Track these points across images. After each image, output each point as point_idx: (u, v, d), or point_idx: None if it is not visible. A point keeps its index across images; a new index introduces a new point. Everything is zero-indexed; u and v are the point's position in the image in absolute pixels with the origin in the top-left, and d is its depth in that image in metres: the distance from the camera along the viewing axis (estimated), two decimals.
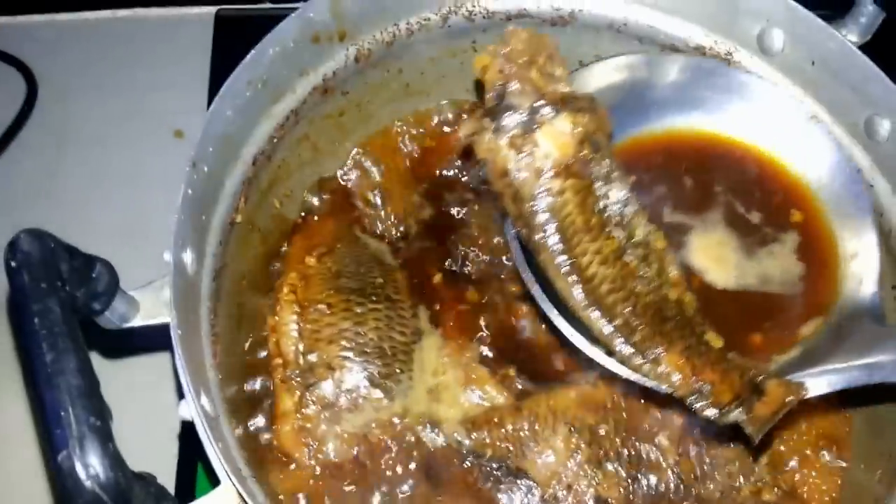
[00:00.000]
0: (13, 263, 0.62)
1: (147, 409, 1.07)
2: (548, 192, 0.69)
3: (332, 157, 1.05)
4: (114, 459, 0.56)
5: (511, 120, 0.68)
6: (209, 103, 1.33)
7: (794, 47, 0.90)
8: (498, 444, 0.89)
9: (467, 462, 0.89)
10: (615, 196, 0.72)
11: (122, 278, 0.73)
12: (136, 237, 1.28)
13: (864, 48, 0.87)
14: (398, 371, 0.92)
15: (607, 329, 0.71)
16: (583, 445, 0.88)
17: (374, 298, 0.95)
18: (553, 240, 0.70)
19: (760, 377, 0.72)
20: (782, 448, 0.91)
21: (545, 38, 0.72)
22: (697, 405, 0.71)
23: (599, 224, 0.71)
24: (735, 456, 0.89)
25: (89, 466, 0.55)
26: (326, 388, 0.90)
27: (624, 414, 0.90)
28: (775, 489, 0.90)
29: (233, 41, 1.41)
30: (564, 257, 0.70)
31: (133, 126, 1.42)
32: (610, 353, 0.74)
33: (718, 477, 0.89)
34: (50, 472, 0.56)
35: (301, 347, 0.92)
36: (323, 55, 0.94)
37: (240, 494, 0.69)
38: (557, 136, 0.69)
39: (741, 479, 0.89)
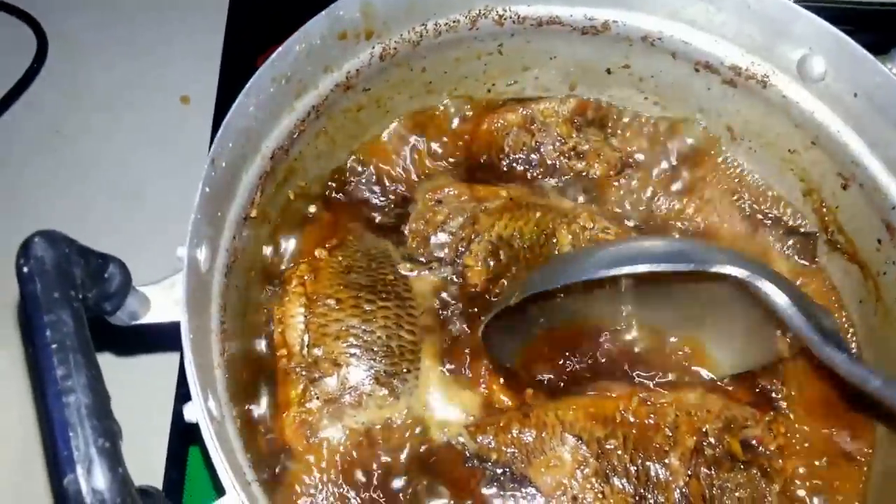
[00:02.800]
0: (25, 269, 0.58)
1: (141, 409, 1.06)
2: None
3: (348, 150, 1.04)
4: (122, 484, 0.54)
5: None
6: (221, 75, 1.35)
7: (836, 77, 0.88)
8: (503, 449, 0.88)
9: (470, 464, 0.88)
10: None
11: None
12: (138, 196, 1.31)
13: None
14: (405, 370, 0.91)
15: None
16: (590, 458, 0.87)
17: (383, 296, 0.94)
18: None
19: None
20: (796, 476, 0.90)
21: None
22: None
23: None
24: (746, 481, 0.88)
25: (96, 492, 0.53)
26: (331, 383, 0.89)
27: (634, 430, 0.88)
28: None
29: (247, 19, 1.41)
30: None
31: (140, 88, 1.43)
32: None
33: (728, 502, 0.87)
34: (55, 494, 0.54)
35: (307, 340, 0.91)
36: (348, 52, 0.93)
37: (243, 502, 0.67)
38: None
39: None
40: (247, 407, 0.88)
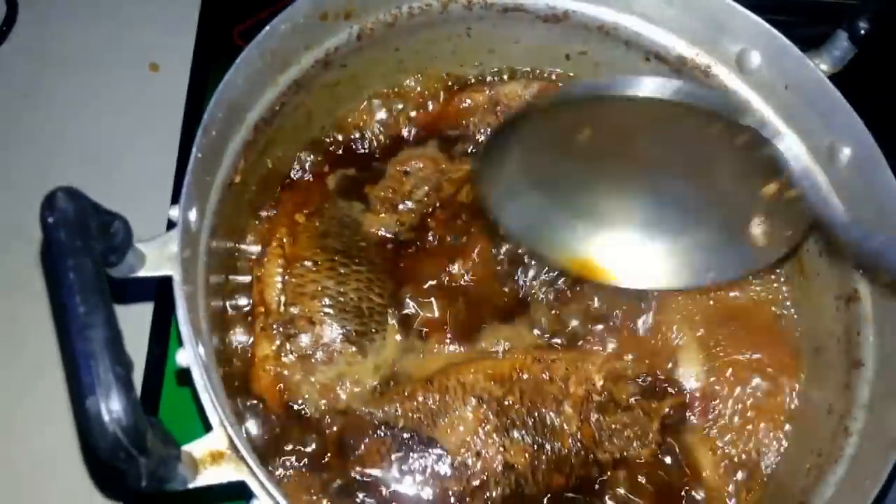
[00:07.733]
0: (51, 219, 0.64)
1: None
2: None
3: (323, 123, 1.09)
4: (134, 406, 0.60)
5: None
6: (196, 45, 1.38)
7: (769, 70, 0.95)
8: (410, 415, 0.94)
9: (379, 433, 0.94)
10: None
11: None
12: (105, 161, 1.33)
13: (834, 79, 0.90)
14: (373, 331, 0.98)
15: None
16: (490, 415, 0.94)
17: (356, 261, 1.00)
18: None
19: None
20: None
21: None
22: None
23: None
24: (632, 421, 0.97)
25: (113, 412, 0.59)
26: (305, 339, 0.96)
27: (529, 385, 0.95)
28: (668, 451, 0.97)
29: None
30: None
31: (110, 55, 1.43)
32: None
33: (616, 441, 0.96)
34: (77, 414, 0.61)
35: (284, 299, 0.97)
36: (328, 31, 0.98)
37: (229, 437, 0.74)
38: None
39: (636, 443, 0.96)
40: (224, 363, 0.94)
